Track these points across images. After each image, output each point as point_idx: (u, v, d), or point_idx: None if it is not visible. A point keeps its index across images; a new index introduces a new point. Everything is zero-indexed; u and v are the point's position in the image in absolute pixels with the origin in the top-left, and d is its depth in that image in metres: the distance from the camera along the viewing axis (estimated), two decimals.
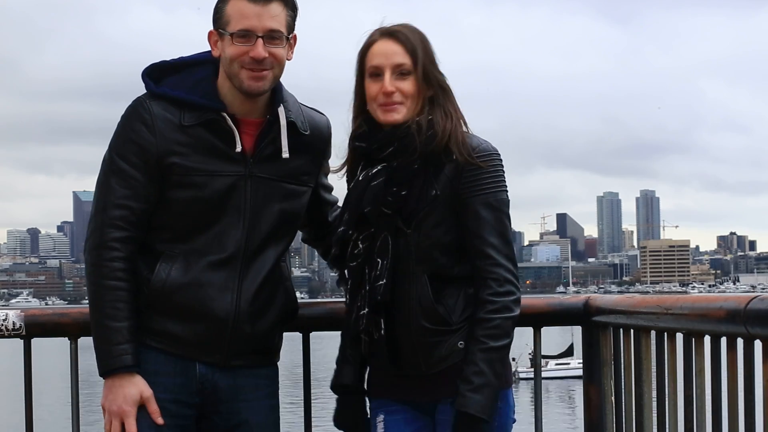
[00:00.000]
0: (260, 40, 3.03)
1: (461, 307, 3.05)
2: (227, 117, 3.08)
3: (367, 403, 3.25)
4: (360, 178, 3.07)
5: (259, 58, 3.02)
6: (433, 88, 3.04)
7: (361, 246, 3.04)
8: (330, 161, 3.34)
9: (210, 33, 3.13)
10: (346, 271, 3.14)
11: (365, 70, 3.08)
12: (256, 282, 3.12)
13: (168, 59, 3.19)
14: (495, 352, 2.99)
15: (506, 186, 3.09)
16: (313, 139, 3.23)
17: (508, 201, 3.09)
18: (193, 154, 3.07)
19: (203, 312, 3.08)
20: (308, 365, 3.65)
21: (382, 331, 3.03)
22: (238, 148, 3.07)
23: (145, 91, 3.15)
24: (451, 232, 3.03)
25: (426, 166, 3.01)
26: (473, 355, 2.98)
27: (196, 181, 3.07)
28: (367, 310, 3.02)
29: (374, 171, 3.04)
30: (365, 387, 3.23)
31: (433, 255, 3.02)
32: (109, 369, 3.03)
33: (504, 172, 3.09)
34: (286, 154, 3.12)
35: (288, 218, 3.19)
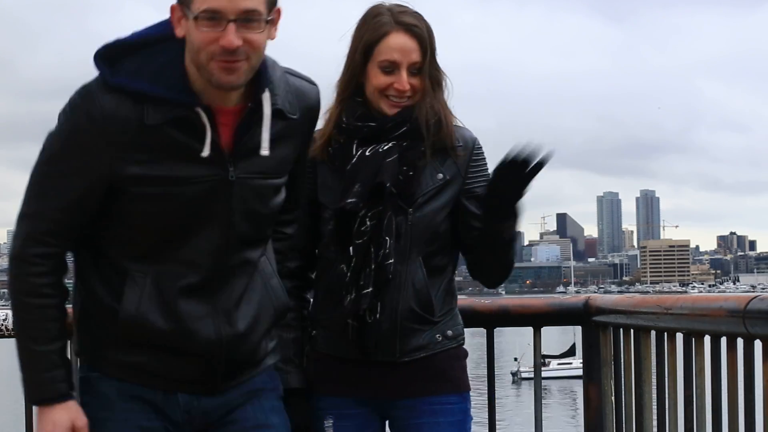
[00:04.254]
0: (231, 25, 2.42)
1: (441, 300, 3.05)
2: (201, 112, 2.50)
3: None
4: (368, 154, 3.00)
5: (230, 48, 2.43)
6: (431, 81, 3.04)
7: (368, 223, 2.97)
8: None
9: (172, 8, 2.52)
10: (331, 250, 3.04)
11: (374, 59, 2.99)
12: (238, 297, 2.64)
13: (124, 36, 2.55)
14: None
15: None
16: (302, 120, 2.69)
17: None
18: (158, 160, 2.49)
19: (183, 348, 2.59)
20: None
21: (378, 315, 2.97)
22: (205, 153, 2.49)
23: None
24: (446, 222, 3.04)
25: (431, 152, 3.02)
26: None
27: (163, 193, 2.51)
28: (371, 289, 2.95)
29: (387, 147, 3.00)
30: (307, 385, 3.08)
31: (429, 239, 3.02)
32: (40, 399, 2.58)
33: None
34: (265, 152, 2.56)
35: (272, 216, 2.71)
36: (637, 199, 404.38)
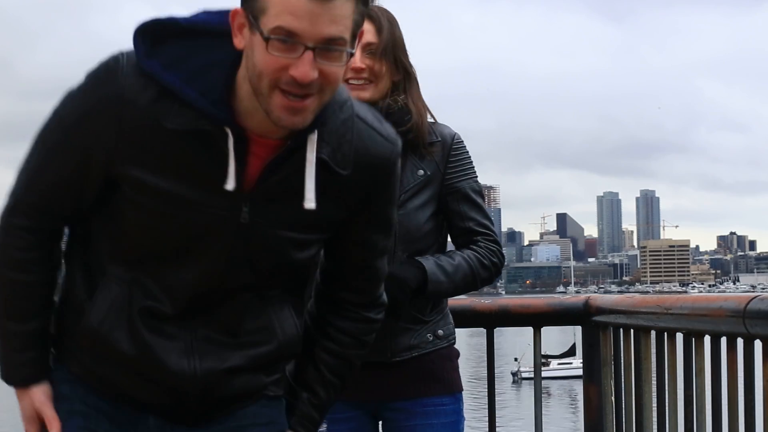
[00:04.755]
0: (309, 54, 1.96)
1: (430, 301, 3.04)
2: (230, 134, 2.04)
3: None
4: None
5: (304, 81, 1.97)
6: (400, 73, 3.01)
7: None
8: None
9: (234, 13, 2.04)
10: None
11: None
12: (229, 328, 2.19)
13: (180, 17, 2.11)
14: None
15: None
16: (356, 179, 2.14)
17: None
18: (164, 171, 2.07)
19: (151, 376, 2.18)
20: None
21: None
22: (230, 186, 2.05)
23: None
24: (431, 221, 3.03)
25: (407, 148, 2.97)
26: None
27: (158, 209, 2.09)
28: None
29: None
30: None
31: (414, 238, 3.01)
32: (8, 379, 2.30)
33: None
34: (311, 204, 2.08)
35: (286, 270, 2.21)
36: (637, 199, 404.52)
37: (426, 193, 3.01)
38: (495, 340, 3.75)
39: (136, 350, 2.14)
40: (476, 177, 3.10)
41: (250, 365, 2.19)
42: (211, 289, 2.13)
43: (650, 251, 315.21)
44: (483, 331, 3.69)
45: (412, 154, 2.99)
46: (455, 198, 3.03)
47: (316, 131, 2.06)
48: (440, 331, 3.04)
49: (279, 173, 2.08)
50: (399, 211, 2.92)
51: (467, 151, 3.08)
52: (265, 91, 1.99)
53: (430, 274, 2.91)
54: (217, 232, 2.10)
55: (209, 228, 2.10)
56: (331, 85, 2.01)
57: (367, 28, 2.92)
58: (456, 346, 3.11)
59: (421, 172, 3.00)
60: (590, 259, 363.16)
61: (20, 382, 2.26)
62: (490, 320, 3.65)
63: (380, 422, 3.09)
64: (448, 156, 3.04)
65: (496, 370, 3.78)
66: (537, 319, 3.68)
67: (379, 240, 2.23)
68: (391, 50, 2.97)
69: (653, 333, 3.33)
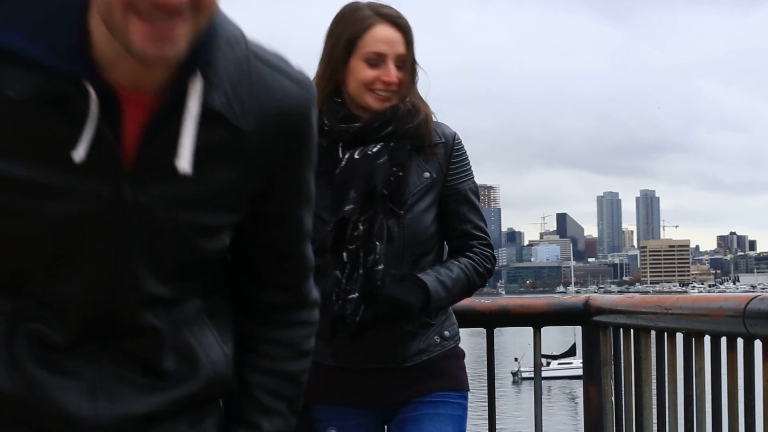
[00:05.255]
0: None
1: None
2: (91, 91, 1.53)
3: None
4: (357, 157, 2.92)
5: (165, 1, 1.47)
6: (411, 75, 2.99)
7: (361, 228, 2.91)
8: None
9: None
10: (334, 256, 2.95)
11: (358, 52, 2.90)
12: (143, 363, 1.66)
13: None
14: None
15: None
16: (263, 135, 1.65)
17: None
18: (15, 155, 1.55)
19: (38, 425, 1.63)
20: None
21: (358, 318, 2.89)
22: (79, 155, 1.53)
23: None
24: (434, 222, 3.01)
25: (414, 150, 2.98)
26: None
27: (17, 205, 1.56)
28: (357, 295, 2.88)
29: (376, 149, 2.92)
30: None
31: (419, 241, 2.99)
32: None
33: None
34: (184, 166, 1.57)
35: (204, 265, 1.69)
36: (637, 199, 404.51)
37: (430, 195, 2.99)
38: (495, 340, 3.75)
39: (18, 388, 1.60)
40: (473, 177, 3.09)
41: (172, 410, 1.67)
42: (108, 306, 1.61)
43: (650, 251, 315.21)
44: (483, 331, 3.69)
45: (416, 155, 2.97)
46: (456, 199, 3.02)
47: (199, 74, 1.57)
48: (446, 332, 3.03)
49: (161, 136, 1.56)
50: (407, 215, 2.94)
51: (466, 151, 3.07)
52: (118, 18, 1.47)
53: (433, 292, 2.90)
54: (97, 224, 1.57)
55: (85, 220, 1.56)
56: (207, 7, 1.52)
57: (398, 38, 2.90)
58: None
59: (427, 174, 2.98)
60: (590, 259, 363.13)
61: None
62: (490, 320, 3.65)
63: (386, 426, 3.07)
64: (450, 156, 3.02)
65: (496, 370, 3.79)
66: (537, 319, 3.68)
67: (302, 216, 1.74)
68: (412, 59, 2.95)
69: (653, 333, 3.33)
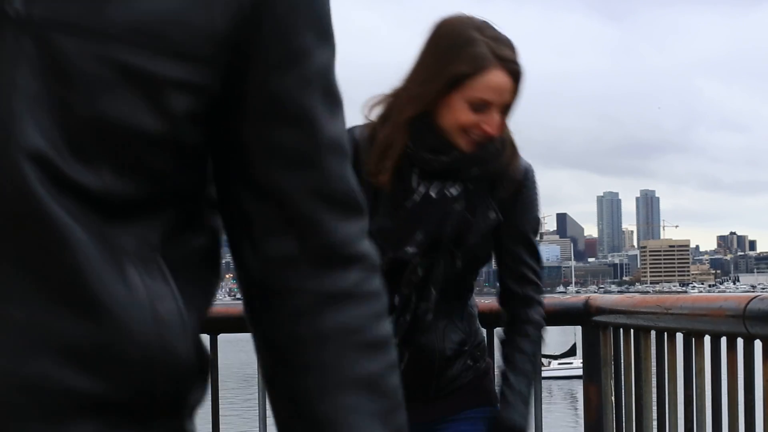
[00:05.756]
0: None
1: (469, 324, 2.93)
2: None
3: None
4: (434, 197, 2.70)
5: None
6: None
7: (420, 272, 2.74)
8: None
9: None
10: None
11: (463, 92, 2.61)
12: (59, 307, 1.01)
13: None
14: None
15: None
16: None
17: None
18: None
19: None
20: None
21: (402, 365, 2.76)
22: None
23: None
24: (486, 260, 2.89)
25: (484, 183, 2.78)
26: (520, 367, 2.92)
27: None
28: (397, 340, 2.69)
29: (455, 192, 2.72)
30: None
31: (467, 280, 2.89)
32: None
33: None
34: None
35: (136, 156, 1.06)
36: (637, 199, 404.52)
37: (489, 234, 2.82)
38: (495, 340, 3.74)
39: None
40: (539, 213, 2.91)
41: (63, 369, 1.00)
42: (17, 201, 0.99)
43: (650, 251, 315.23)
44: (483, 331, 3.69)
45: (487, 191, 2.77)
46: (515, 239, 2.84)
47: None
48: (477, 352, 2.95)
49: None
50: (464, 257, 2.77)
51: (537, 186, 2.86)
52: None
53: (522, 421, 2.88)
54: None
55: None
56: None
57: (510, 88, 2.66)
58: None
59: (493, 215, 2.78)
60: (590, 259, 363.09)
61: None
62: (490, 320, 3.64)
63: None
64: (518, 194, 2.82)
65: (496, 370, 3.78)
66: None
67: (317, 113, 1.15)
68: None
69: (653, 333, 3.33)
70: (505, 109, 2.67)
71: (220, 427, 3.49)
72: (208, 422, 3.48)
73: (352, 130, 2.74)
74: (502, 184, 2.78)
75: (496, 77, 2.62)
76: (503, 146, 2.74)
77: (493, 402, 2.97)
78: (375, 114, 2.78)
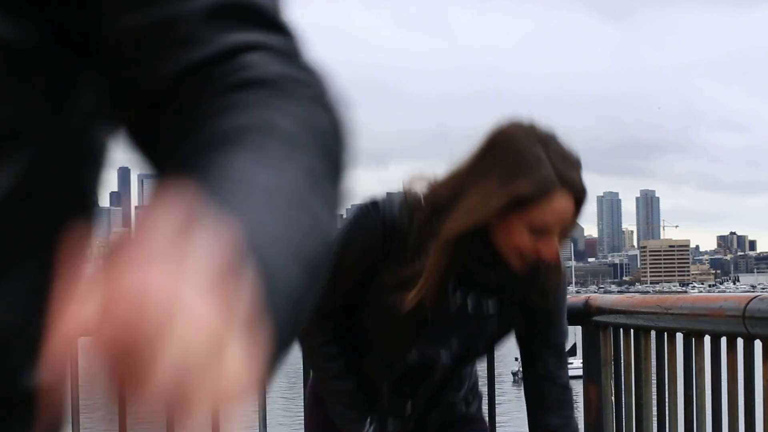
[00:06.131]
0: None
1: (464, 379, 2.81)
2: None
3: None
4: (470, 311, 2.56)
5: None
6: None
7: (442, 376, 2.66)
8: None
9: None
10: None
11: (523, 214, 2.43)
12: None
13: None
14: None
15: None
16: None
17: None
18: None
19: None
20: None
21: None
22: None
23: None
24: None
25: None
26: None
27: None
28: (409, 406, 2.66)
29: (491, 310, 2.59)
30: None
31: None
32: None
33: None
34: None
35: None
36: (637, 199, 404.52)
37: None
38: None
39: None
40: (566, 325, 2.82)
41: None
42: None
43: (650, 251, 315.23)
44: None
45: (520, 302, 2.66)
46: (543, 346, 2.77)
47: None
48: (470, 396, 2.84)
49: None
50: (479, 357, 2.73)
51: (564, 303, 2.78)
52: None
53: None
54: None
55: None
56: None
57: (571, 212, 2.48)
58: None
59: (516, 324, 2.69)
60: (590, 259, 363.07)
61: None
62: None
63: None
64: (549, 306, 2.73)
65: (496, 370, 3.78)
66: None
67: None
68: None
69: (653, 333, 3.33)
70: (565, 231, 2.52)
71: (220, 427, 3.48)
72: (208, 422, 3.48)
73: (390, 200, 2.56)
74: (536, 298, 2.67)
75: (561, 202, 2.45)
76: (552, 268, 2.62)
77: (483, 428, 2.90)
78: (417, 189, 2.57)
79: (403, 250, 2.52)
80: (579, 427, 2.84)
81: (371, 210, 2.54)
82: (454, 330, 2.56)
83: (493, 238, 2.48)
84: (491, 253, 2.50)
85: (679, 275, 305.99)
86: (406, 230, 2.53)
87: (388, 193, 2.61)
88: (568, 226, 2.48)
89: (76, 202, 0.88)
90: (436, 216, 2.51)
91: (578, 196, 2.46)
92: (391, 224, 2.53)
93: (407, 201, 2.54)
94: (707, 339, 3.00)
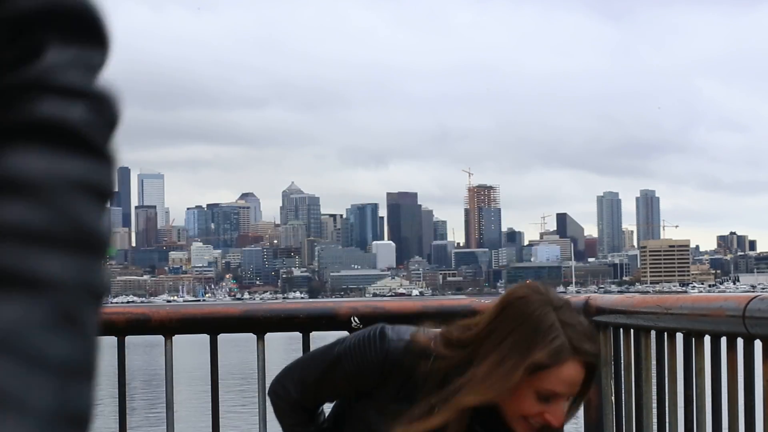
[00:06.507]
0: None
1: None
2: None
3: None
4: None
5: None
6: None
7: None
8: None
9: None
10: None
11: (532, 382, 2.43)
12: None
13: None
14: None
15: None
16: None
17: None
18: None
19: None
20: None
21: None
22: None
23: None
24: None
25: None
26: None
27: None
28: None
29: None
30: None
31: None
32: None
33: None
34: None
35: None
36: (637, 199, 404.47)
37: None
38: None
39: None
40: None
41: None
42: None
43: (650, 251, 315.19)
44: None
45: None
46: None
47: None
48: None
49: None
50: None
51: None
52: None
53: None
54: None
55: None
56: None
57: (580, 379, 2.50)
58: None
59: None
60: (590, 259, 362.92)
61: None
62: None
63: None
64: None
65: None
66: None
67: None
68: None
69: (653, 333, 3.33)
70: (573, 399, 2.51)
71: (220, 427, 3.49)
72: (208, 422, 3.49)
73: (399, 336, 2.58)
74: None
75: (571, 370, 2.45)
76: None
77: None
78: (428, 338, 2.57)
79: (397, 389, 2.53)
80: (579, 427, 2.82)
81: (378, 339, 2.56)
82: None
83: (501, 403, 2.46)
84: (495, 418, 2.48)
85: (679, 275, 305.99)
86: (406, 372, 2.53)
87: (397, 329, 2.60)
88: (576, 393, 2.49)
89: None
90: (447, 377, 2.48)
91: (589, 364, 2.47)
92: (393, 360, 2.54)
93: (415, 346, 2.54)
94: (707, 339, 2.99)
